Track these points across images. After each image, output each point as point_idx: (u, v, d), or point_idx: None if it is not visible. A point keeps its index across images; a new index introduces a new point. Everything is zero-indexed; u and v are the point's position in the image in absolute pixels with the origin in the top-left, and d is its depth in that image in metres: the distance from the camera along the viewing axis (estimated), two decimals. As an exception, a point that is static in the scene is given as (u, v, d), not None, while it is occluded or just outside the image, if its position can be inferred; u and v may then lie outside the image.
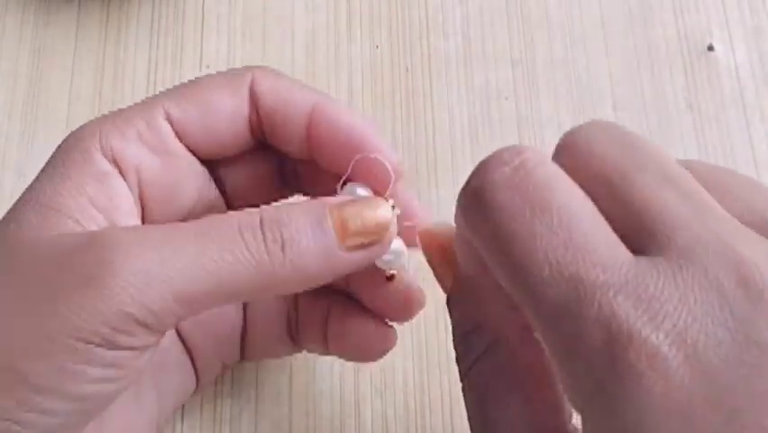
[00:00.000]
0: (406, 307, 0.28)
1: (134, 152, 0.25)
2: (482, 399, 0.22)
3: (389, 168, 0.25)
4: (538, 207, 0.19)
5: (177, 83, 0.37)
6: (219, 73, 0.27)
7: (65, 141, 0.25)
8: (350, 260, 0.24)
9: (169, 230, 0.23)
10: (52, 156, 0.25)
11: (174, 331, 0.29)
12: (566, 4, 0.40)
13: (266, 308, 0.30)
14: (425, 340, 0.34)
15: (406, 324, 0.34)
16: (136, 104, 0.26)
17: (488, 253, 0.20)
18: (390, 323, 0.29)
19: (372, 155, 0.25)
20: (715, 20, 0.40)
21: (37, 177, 0.25)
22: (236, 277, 0.22)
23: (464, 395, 0.22)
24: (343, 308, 0.29)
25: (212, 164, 0.28)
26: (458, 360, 0.23)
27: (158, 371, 0.28)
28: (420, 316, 0.34)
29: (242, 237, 0.22)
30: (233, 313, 0.30)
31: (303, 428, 0.32)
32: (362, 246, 0.24)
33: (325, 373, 0.33)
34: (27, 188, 0.25)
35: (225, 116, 0.26)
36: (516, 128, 0.38)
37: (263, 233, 0.23)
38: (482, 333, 0.22)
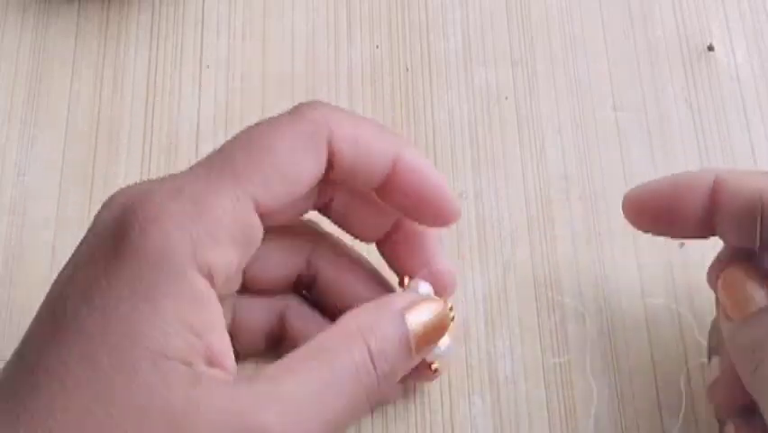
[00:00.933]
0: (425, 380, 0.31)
1: (227, 258, 0.23)
2: None
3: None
4: None
5: (177, 84, 0.38)
6: (293, 123, 0.25)
7: (152, 250, 0.21)
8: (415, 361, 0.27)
9: (291, 390, 0.23)
10: (138, 266, 0.21)
11: None
12: (566, 4, 0.40)
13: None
14: (426, 340, 0.34)
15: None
16: (218, 185, 0.23)
17: None
18: None
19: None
20: (715, 20, 0.40)
21: (123, 296, 0.21)
22: (352, 415, 0.25)
23: None
24: None
25: None
26: None
27: None
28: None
29: (362, 382, 0.24)
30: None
31: (303, 429, 0.32)
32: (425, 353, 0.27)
33: (325, 374, 0.33)
34: (116, 317, 0.21)
35: (306, 186, 0.25)
36: (516, 128, 0.38)
37: (376, 370, 0.25)
38: None
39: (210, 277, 0.22)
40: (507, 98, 0.38)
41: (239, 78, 0.38)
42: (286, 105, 0.38)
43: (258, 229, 0.24)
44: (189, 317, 0.22)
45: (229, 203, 0.23)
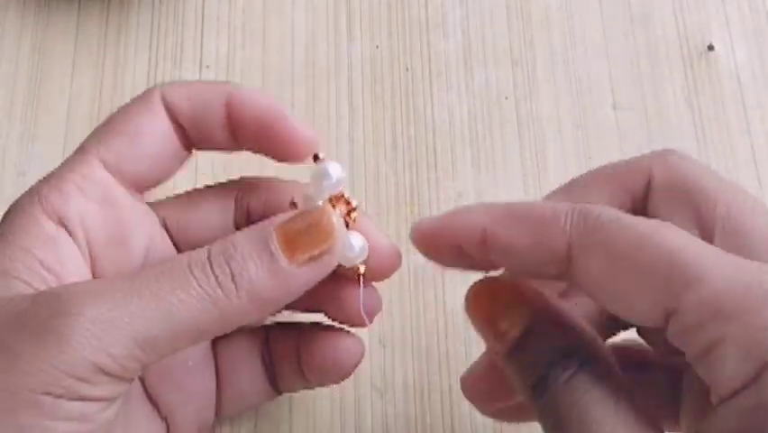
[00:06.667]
0: (373, 305, 0.28)
1: (78, 207, 0.25)
2: (582, 408, 0.22)
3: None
4: None
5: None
6: (131, 101, 0.27)
7: (9, 209, 0.25)
8: (304, 276, 0.24)
9: (121, 278, 0.23)
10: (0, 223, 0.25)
11: (145, 395, 0.28)
12: (566, 3, 0.40)
13: (238, 356, 0.29)
14: (425, 340, 0.34)
15: (409, 324, 0.34)
16: (68, 158, 0.26)
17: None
18: (357, 330, 0.29)
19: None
20: (715, 20, 0.40)
21: None
22: (193, 315, 0.22)
23: (548, 413, 0.22)
24: (312, 333, 0.29)
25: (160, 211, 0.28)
26: (535, 387, 0.23)
27: None
28: (420, 316, 0.34)
29: (192, 275, 0.23)
30: (204, 368, 0.29)
31: (303, 428, 0.32)
32: (313, 259, 0.24)
33: (325, 373, 0.33)
34: None
35: (153, 139, 0.26)
36: (516, 128, 0.38)
37: (212, 268, 0.23)
38: (574, 354, 0.23)
39: (60, 222, 0.25)
40: (507, 98, 0.38)
41: (239, 78, 0.38)
42: (286, 105, 0.38)
43: (108, 182, 0.26)
44: (38, 252, 0.24)
45: (70, 162, 0.26)
